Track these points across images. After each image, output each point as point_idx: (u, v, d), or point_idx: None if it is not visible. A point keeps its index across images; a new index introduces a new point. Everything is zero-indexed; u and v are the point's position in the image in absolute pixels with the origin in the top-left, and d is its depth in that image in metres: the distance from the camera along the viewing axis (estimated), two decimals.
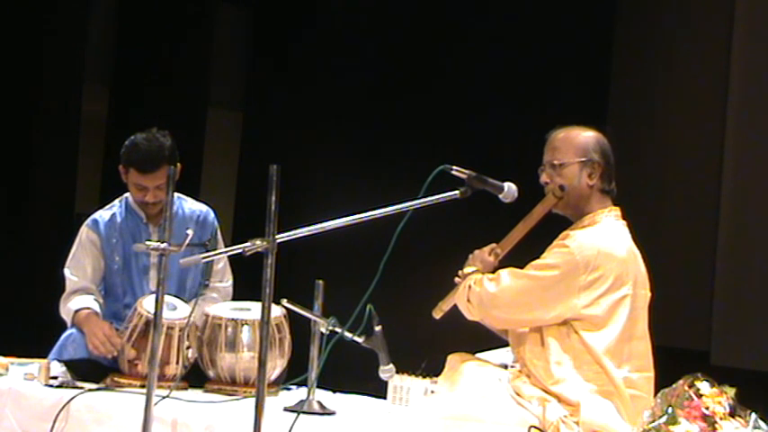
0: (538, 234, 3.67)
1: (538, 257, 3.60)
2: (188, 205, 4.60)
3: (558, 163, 3.63)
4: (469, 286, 3.63)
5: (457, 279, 3.72)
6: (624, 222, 3.67)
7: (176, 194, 4.54)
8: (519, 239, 3.67)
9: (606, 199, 3.66)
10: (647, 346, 3.59)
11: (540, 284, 3.53)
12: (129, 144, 4.43)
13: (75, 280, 4.47)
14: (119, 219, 4.51)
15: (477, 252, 3.72)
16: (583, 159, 3.62)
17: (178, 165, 4.37)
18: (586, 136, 3.66)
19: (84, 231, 4.52)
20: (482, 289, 3.59)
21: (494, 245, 3.70)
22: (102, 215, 4.54)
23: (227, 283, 4.64)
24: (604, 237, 3.57)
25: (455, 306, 3.70)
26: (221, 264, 4.64)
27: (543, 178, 3.67)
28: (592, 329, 3.49)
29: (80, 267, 4.48)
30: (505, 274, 3.59)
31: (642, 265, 3.64)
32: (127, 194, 4.55)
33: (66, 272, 4.49)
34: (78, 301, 4.41)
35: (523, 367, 3.57)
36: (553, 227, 3.68)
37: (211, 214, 4.61)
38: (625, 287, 3.53)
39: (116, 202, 4.58)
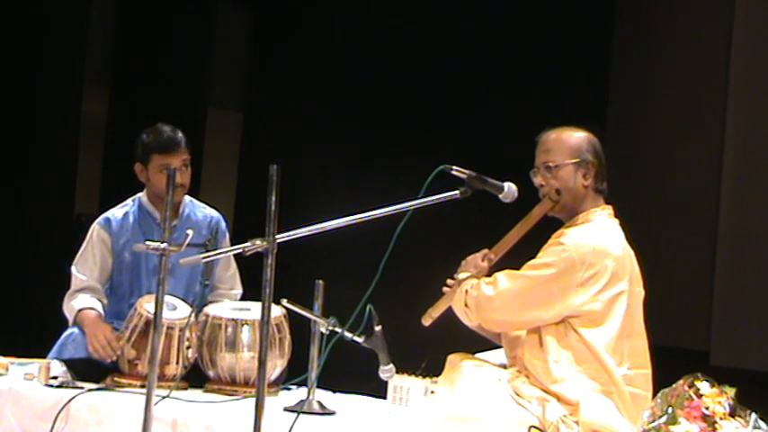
0: (530, 236, 3.67)
1: (532, 258, 3.60)
2: (200, 209, 4.62)
3: (553, 165, 3.64)
4: (466, 291, 3.62)
5: (445, 288, 3.72)
6: (617, 221, 3.68)
7: (188, 198, 4.58)
8: (513, 244, 3.67)
9: (599, 198, 3.68)
10: (645, 343, 3.60)
11: (538, 283, 3.53)
12: (146, 135, 4.49)
13: (82, 278, 4.46)
14: (131, 218, 4.51)
15: (469, 258, 3.72)
16: (577, 160, 3.63)
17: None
18: (578, 137, 3.67)
19: (96, 229, 4.52)
20: (479, 293, 3.59)
21: (486, 250, 3.70)
22: (115, 214, 4.54)
23: (237, 291, 4.66)
24: (599, 234, 3.58)
25: (448, 310, 3.69)
26: (231, 270, 4.65)
27: (538, 180, 3.68)
28: (590, 326, 3.49)
29: (87, 266, 4.47)
30: (502, 276, 3.59)
31: (636, 263, 3.65)
32: (140, 194, 4.56)
33: (74, 269, 4.49)
34: (82, 300, 4.40)
35: (522, 369, 3.57)
36: (546, 229, 3.68)
37: (223, 222, 4.65)
38: (621, 283, 3.54)
39: (129, 201, 4.58)
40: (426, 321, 3.72)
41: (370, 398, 4.24)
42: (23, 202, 6.79)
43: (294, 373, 4.26)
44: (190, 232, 3.54)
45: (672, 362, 3.68)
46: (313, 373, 3.91)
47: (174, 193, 3.54)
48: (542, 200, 3.66)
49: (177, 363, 4.15)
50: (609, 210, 3.69)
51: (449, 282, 3.73)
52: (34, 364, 4.27)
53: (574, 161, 3.63)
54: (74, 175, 7.08)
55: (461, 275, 3.69)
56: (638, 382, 3.51)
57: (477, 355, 3.80)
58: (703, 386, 3.10)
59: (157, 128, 4.50)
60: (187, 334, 4.15)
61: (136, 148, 4.50)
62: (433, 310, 3.71)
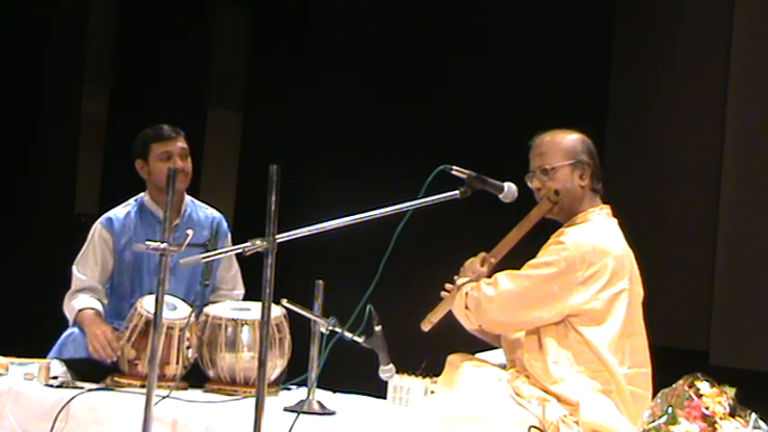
0: (530, 237, 3.67)
1: (532, 259, 3.60)
2: (202, 209, 4.62)
3: (550, 167, 3.64)
4: (466, 293, 3.61)
5: (443, 293, 3.72)
6: (616, 220, 3.68)
7: (189, 197, 4.59)
8: (512, 246, 3.67)
9: (596, 198, 3.69)
10: (645, 342, 3.61)
11: (539, 282, 3.52)
12: (144, 131, 4.52)
13: (83, 278, 4.46)
14: (133, 218, 4.51)
15: (467, 263, 3.71)
16: (572, 161, 3.64)
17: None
18: (572, 138, 3.68)
19: (97, 229, 4.52)
20: (480, 294, 3.58)
21: (484, 254, 3.69)
22: (117, 213, 4.54)
23: (239, 291, 4.66)
24: (598, 233, 3.58)
25: (447, 314, 3.69)
26: (233, 271, 4.65)
27: (534, 184, 3.68)
28: (592, 324, 3.49)
29: (88, 266, 4.47)
30: (503, 276, 3.59)
31: (635, 262, 3.65)
32: (142, 194, 4.57)
33: (74, 269, 4.49)
34: (82, 300, 4.40)
35: (522, 371, 3.56)
36: (545, 230, 3.68)
37: (224, 222, 4.65)
38: (621, 282, 3.54)
39: (131, 201, 4.58)
40: (426, 327, 3.70)
41: (370, 398, 4.24)
42: (24, 203, 6.79)
43: (294, 373, 4.26)
44: (190, 232, 3.53)
45: (672, 362, 3.68)
46: (313, 373, 3.91)
47: (174, 194, 3.53)
48: (540, 201, 3.66)
49: (177, 363, 4.15)
50: (607, 209, 3.69)
51: (447, 287, 3.73)
52: (34, 364, 4.27)
53: (570, 162, 3.63)
54: (74, 175, 7.08)
55: (460, 281, 3.68)
56: (637, 381, 3.51)
57: (477, 355, 3.80)
58: (703, 386, 3.09)
59: (155, 125, 4.54)
60: (187, 334, 4.15)
61: (135, 146, 4.51)
62: (432, 315, 3.70)
